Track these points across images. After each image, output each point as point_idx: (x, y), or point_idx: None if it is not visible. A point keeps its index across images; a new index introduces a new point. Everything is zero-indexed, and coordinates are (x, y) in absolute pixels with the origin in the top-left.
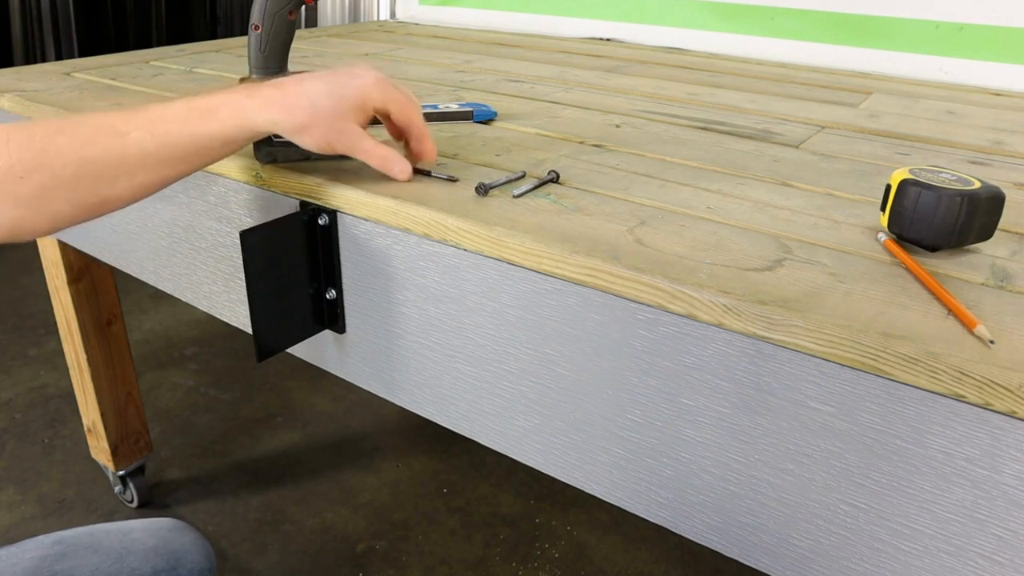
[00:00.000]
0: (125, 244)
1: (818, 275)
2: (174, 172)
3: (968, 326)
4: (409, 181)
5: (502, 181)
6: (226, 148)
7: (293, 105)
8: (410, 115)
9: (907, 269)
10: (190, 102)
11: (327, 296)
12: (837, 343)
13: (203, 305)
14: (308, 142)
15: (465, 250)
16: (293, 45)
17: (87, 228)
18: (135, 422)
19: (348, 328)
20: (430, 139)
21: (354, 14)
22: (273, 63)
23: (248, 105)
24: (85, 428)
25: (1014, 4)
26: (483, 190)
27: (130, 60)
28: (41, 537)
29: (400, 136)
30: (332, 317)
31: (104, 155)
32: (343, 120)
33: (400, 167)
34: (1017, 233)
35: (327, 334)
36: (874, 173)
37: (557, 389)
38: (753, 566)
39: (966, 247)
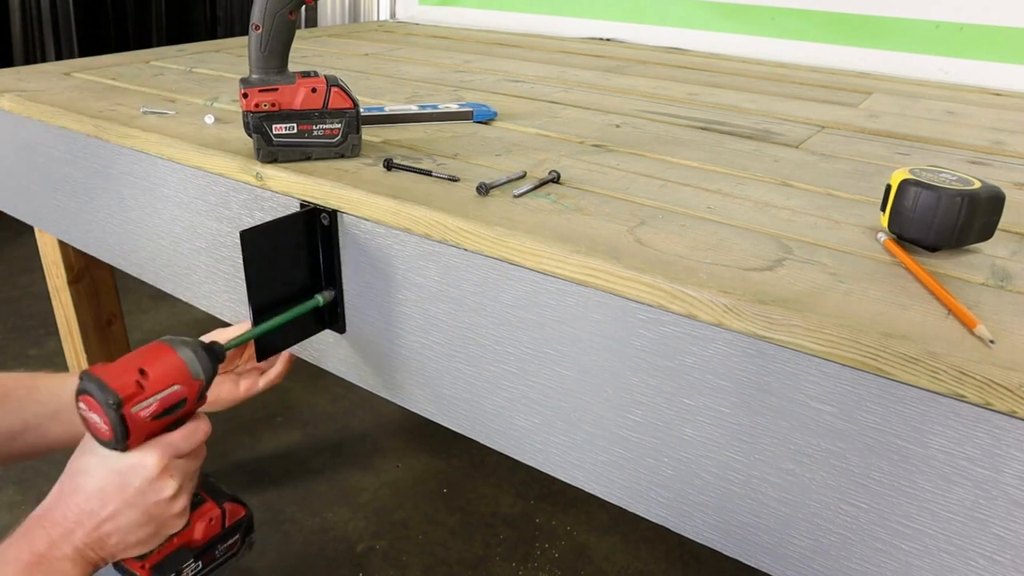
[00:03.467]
0: (125, 244)
1: (818, 275)
2: None
3: (968, 326)
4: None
5: (503, 181)
6: None
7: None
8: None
9: (907, 269)
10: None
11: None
12: (837, 343)
13: (203, 305)
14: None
15: (465, 250)
16: (293, 45)
17: (87, 228)
18: None
19: (348, 328)
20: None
21: (354, 14)
22: (273, 63)
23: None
24: None
25: (1014, 4)
26: (484, 190)
27: (130, 60)
28: None
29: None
30: (332, 317)
31: None
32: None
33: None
34: (1017, 233)
35: (327, 334)
36: (874, 173)
37: (557, 389)
38: (753, 565)
39: (966, 247)
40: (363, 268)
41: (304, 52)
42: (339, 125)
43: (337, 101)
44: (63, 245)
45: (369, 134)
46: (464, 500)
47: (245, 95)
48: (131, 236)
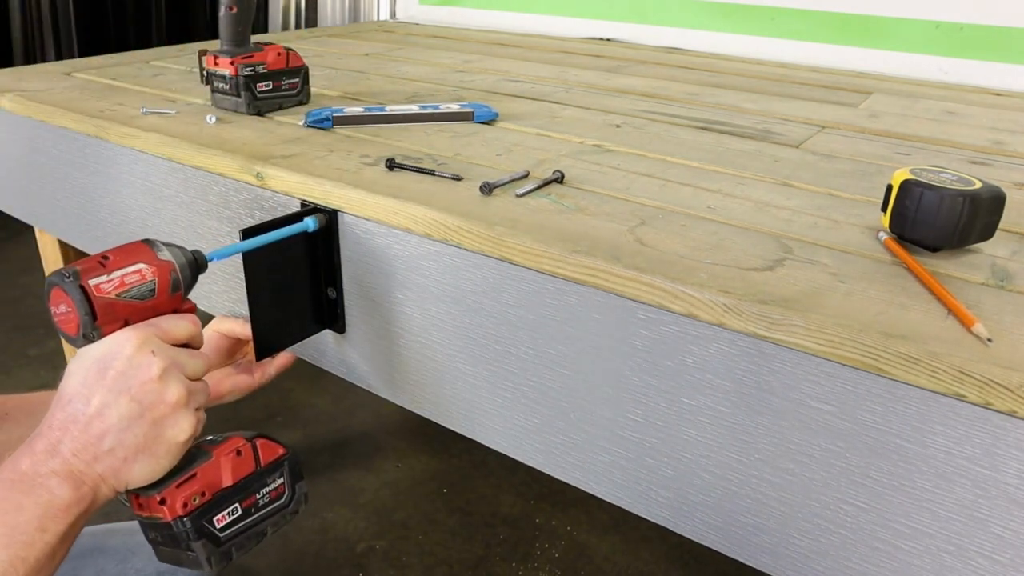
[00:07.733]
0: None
1: (818, 275)
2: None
3: (966, 324)
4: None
5: (506, 180)
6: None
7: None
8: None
9: (908, 269)
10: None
11: (327, 296)
12: (837, 343)
13: (203, 305)
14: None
15: (466, 250)
16: (293, 45)
17: (87, 228)
18: None
19: (348, 328)
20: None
21: (354, 14)
22: (244, 37)
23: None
24: None
25: (1014, 4)
26: (487, 189)
27: (130, 60)
28: None
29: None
30: (332, 317)
31: None
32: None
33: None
34: (1017, 233)
35: (327, 334)
36: (874, 173)
37: (557, 389)
38: (754, 566)
39: (966, 247)
40: (363, 268)
41: (304, 52)
42: (298, 79)
43: (295, 60)
44: (63, 245)
45: (370, 134)
46: (464, 500)
47: (232, 63)
48: (131, 236)
